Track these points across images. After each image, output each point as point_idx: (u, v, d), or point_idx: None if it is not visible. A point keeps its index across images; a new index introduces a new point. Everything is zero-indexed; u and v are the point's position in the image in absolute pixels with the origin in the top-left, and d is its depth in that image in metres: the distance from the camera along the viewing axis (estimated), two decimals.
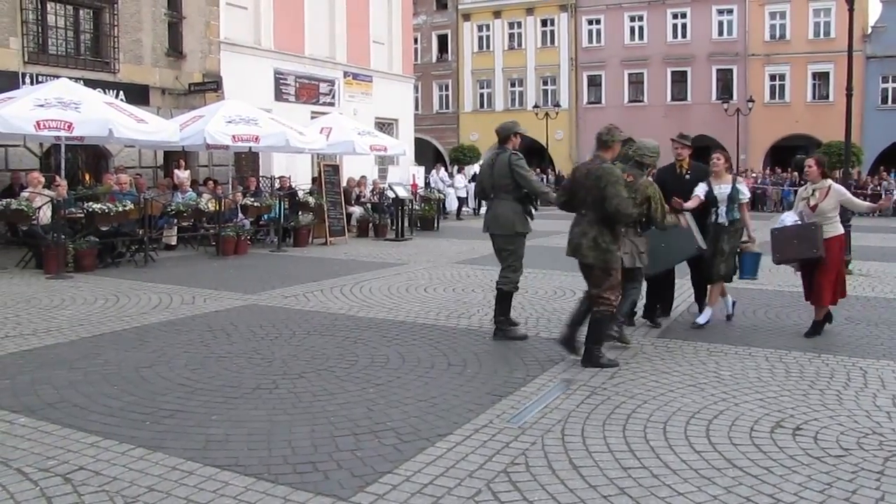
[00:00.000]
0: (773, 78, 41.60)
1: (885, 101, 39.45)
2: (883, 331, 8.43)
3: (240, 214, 16.41)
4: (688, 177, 8.75)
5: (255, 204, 16.75)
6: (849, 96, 14.20)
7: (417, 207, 21.77)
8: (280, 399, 5.67)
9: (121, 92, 18.55)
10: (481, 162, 8.07)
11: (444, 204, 26.71)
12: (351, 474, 4.31)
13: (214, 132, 15.86)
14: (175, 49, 20.79)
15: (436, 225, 21.98)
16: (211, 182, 18.27)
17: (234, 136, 16.13)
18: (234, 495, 4.01)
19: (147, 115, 15.12)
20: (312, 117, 24.02)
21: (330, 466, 4.42)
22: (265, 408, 5.46)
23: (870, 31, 39.32)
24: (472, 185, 31.32)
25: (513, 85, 47.03)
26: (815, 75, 40.63)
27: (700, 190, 8.50)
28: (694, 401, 5.74)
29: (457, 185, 27.70)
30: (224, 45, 22.16)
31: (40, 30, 17.91)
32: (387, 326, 8.33)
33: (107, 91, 17.37)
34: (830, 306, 8.21)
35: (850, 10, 14.03)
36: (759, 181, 34.78)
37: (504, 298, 7.85)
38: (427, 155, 43.64)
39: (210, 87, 21.08)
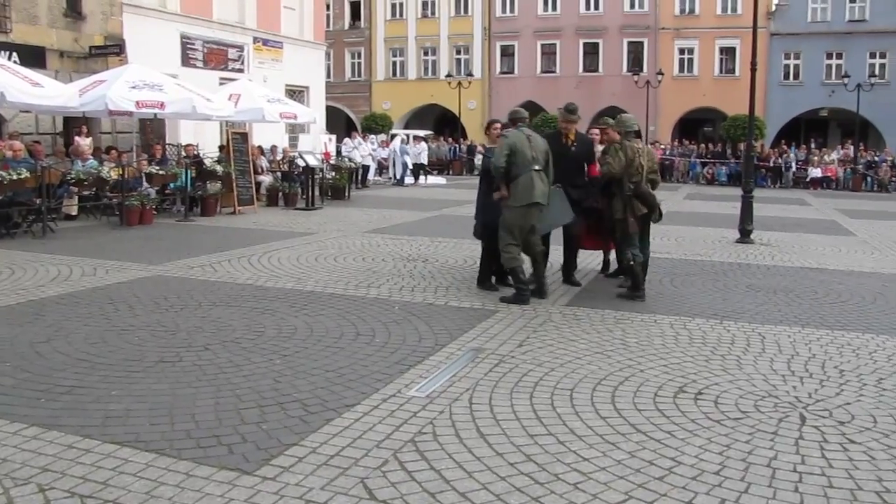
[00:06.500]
0: (682, 52, 42.36)
1: (786, 76, 40.69)
2: (781, 298, 8.74)
3: (144, 183, 15.92)
4: (573, 148, 8.93)
5: (161, 172, 16.27)
6: (753, 71, 14.55)
7: (328, 176, 21.49)
8: (184, 372, 5.53)
9: (14, 53, 17.69)
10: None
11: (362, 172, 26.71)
12: (256, 447, 4.23)
13: (117, 98, 15.30)
14: (74, 10, 19.89)
15: (347, 194, 21.77)
16: (114, 151, 17.63)
17: (137, 102, 15.59)
18: (134, 472, 3.89)
19: (43, 79, 14.46)
20: (221, 84, 23.43)
21: (234, 440, 4.33)
22: (168, 381, 5.31)
23: (774, 8, 40.40)
24: (383, 151, 31.43)
25: (426, 53, 46.70)
26: (722, 50, 41.53)
27: None
28: (600, 368, 5.83)
29: (362, 153, 27.39)
30: (127, 7, 21.33)
31: None
32: (295, 296, 8.22)
33: None
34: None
35: None
36: (666, 152, 35.52)
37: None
38: (338, 123, 43.12)
39: (112, 50, 20.29)
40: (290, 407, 4.85)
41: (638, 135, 8.87)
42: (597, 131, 10.23)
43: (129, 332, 6.65)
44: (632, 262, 8.33)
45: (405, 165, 29.45)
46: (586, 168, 9.13)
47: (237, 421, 4.60)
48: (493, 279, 8.95)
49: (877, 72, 38.46)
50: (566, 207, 8.67)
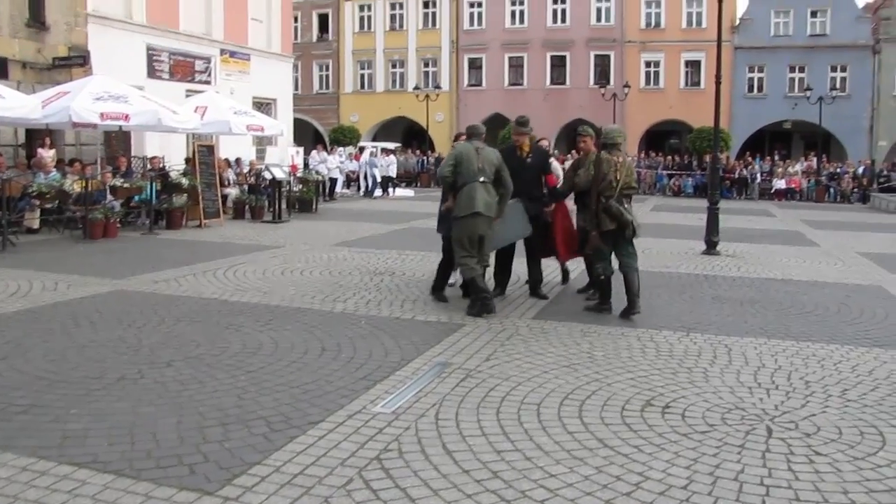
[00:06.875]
0: (648, 64, 42.77)
1: (751, 89, 41.23)
2: (747, 309, 8.79)
3: (109, 196, 15.70)
4: (529, 160, 8.96)
5: (126, 185, 16.06)
6: (718, 84, 14.71)
7: (295, 189, 21.36)
8: (146, 389, 5.42)
9: None
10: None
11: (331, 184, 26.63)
12: (218, 466, 4.15)
13: (81, 109, 15.08)
14: (37, 20, 19.61)
15: (314, 207, 21.66)
16: (78, 163, 17.37)
17: (102, 114, 15.38)
18: (91, 494, 3.79)
19: (5, 90, 14.22)
20: (187, 95, 23.23)
21: (196, 459, 4.24)
22: (129, 399, 5.20)
23: (738, 22, 41.00)
24: (352, 164, 31.38)
25: (394, 66, 46.72)
26: (687, 63, 41.98)
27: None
28: (568, 381, 5.81)
29: (329, 166, 27.26)
30: (92, 17, 21.09)
31: None
32: (260, 311, 8.12)
33: None
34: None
35: (720, 2, 14.48)
36: (634, 164, 35.76)
37: None
38: (306, 136, 42.95)
39: (76, 61, 20.04)
40: (254, 424, 4.77)
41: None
42: (546, 142, 10.53)
43: (89, 348, 6.52)
44: (602, 276, 8.33)
45: (374, 178, 29.40)
46: (543, 179, 9.15)
47: (199, 439, 4.51)
48: (461, 294, 8.91)
49: (838, 85, 39.16)
50: (524, 221, 8.66)
